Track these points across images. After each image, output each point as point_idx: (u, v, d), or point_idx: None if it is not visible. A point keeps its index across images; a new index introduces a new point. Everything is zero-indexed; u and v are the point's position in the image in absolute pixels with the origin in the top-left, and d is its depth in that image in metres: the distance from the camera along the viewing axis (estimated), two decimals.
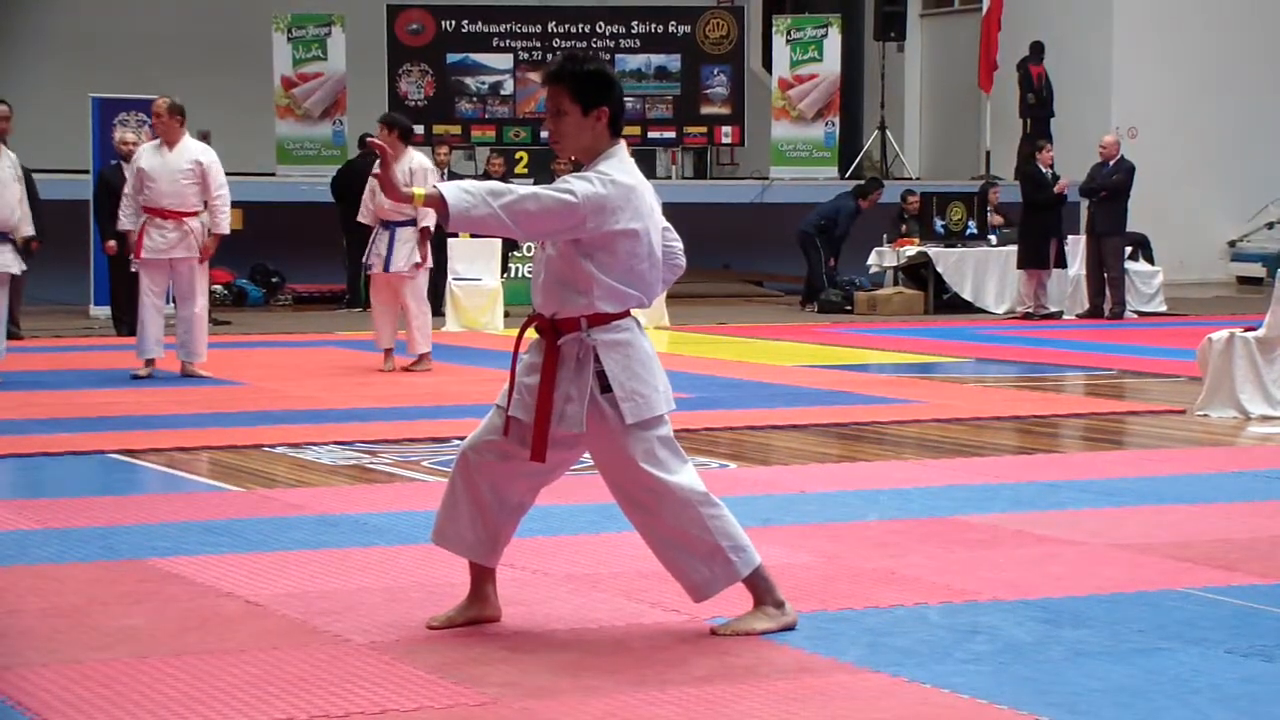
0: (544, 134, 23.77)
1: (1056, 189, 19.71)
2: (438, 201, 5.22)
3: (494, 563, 5.61)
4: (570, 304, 5.36)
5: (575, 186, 5.28)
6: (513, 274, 20.61)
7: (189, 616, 5.67)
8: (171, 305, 13.19)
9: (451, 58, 24.24)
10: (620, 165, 5.41)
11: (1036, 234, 19.71)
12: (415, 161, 13.28)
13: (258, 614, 5.72)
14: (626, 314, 5.40)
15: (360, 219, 13.84)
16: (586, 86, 5.38)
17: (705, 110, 24.47)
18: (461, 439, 9.75)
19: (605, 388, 5.32)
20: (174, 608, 5.80)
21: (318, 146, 22.59)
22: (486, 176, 20.26)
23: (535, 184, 20.36)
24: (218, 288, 20.00)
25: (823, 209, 21.22)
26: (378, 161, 5.84)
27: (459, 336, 16.87)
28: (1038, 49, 24.34)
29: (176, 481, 8.73)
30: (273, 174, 23.24)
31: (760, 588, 5.49)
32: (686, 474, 5.42)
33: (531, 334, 5.52)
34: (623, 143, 5.48)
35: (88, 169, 19.21)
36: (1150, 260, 21.79)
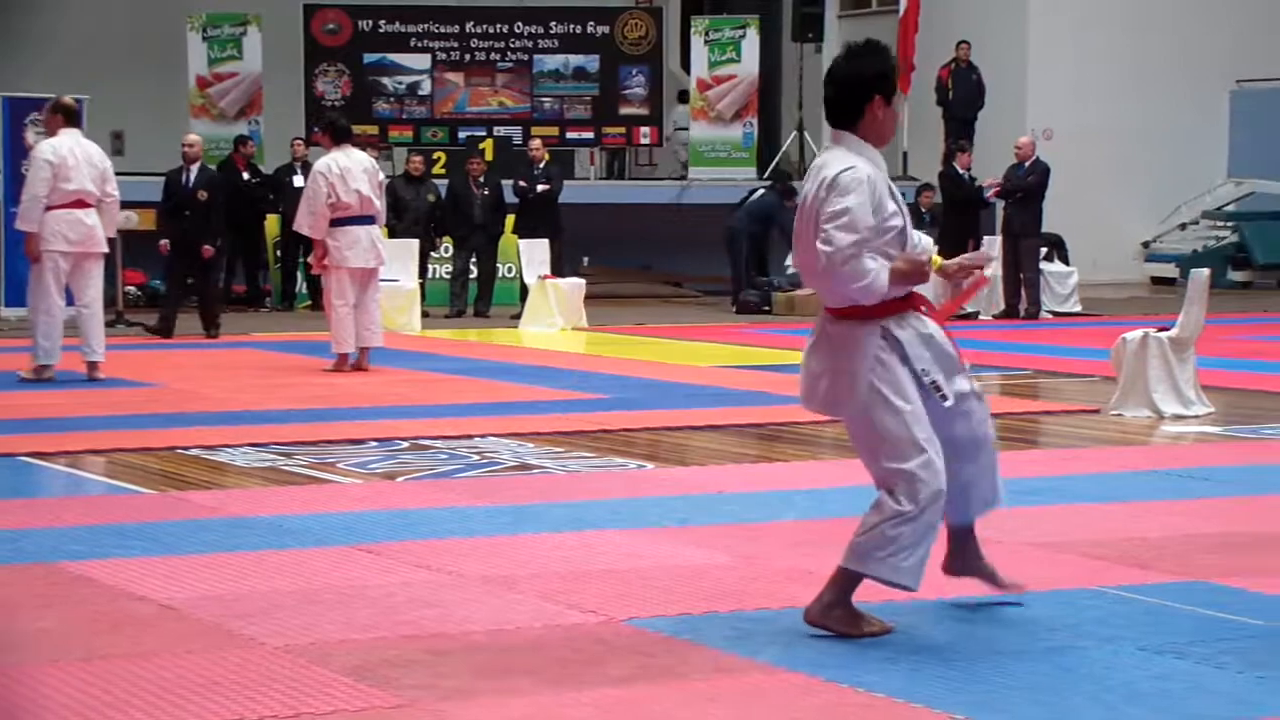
0: (462, 135, 23.82)
1: (988, 194, 19.81)
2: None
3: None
4: None
5: None
6: (431, 275, 20.55)
7: (101, 620, 5.61)
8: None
9: (369, 58, 24.13)
10: None
11: (958, 235, 19.79)
12: (365, 161, 13.71)
13: (171, 617, 5.67)
14: None
15: (301, 228, 13.68)
16: None
17: (624, 110, 24.46)
18: (380, 440, 9.80)
19: None
20: (86, 611, 5.74)
21: (234, 146, 22.41)
22: (407, 176, 20.19)
23: (451, 184, 20.35)
24: (131, 289, 19.82)
25: (751, 207, 21.13)
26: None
27: None
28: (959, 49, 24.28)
29: (88, 484, 8.65)
30: None
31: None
32: None
33: None
34: None
35: None
36: (1065, 261, 21.96)
